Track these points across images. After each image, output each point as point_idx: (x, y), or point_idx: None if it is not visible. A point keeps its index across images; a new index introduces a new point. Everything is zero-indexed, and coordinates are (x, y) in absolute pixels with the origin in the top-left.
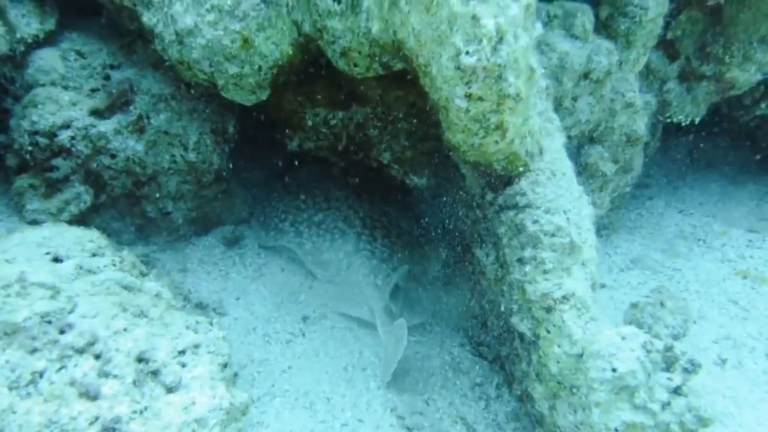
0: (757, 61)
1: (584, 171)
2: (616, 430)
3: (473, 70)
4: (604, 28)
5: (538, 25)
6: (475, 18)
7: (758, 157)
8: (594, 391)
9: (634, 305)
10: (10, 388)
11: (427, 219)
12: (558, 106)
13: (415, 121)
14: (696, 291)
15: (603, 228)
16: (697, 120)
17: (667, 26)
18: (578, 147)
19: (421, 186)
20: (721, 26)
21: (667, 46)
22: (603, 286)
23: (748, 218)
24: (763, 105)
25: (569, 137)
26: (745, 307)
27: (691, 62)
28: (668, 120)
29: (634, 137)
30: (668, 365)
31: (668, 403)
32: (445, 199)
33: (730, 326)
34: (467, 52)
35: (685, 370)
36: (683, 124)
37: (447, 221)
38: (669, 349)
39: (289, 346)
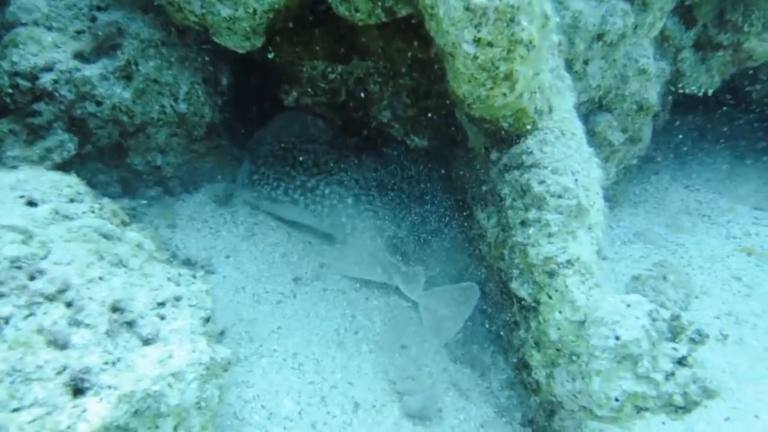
0: None
1: (591, 140)
2: (617, 399)
3: (484, 11)
4: None
5: None
6: None
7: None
8: (595, 359)
9: (636, 278)
10: None
11: (425, 181)
12: (568, 70)
13: (417, 76)
14: (699, 266)
15: (606, 200)
16: (710, 92)
17: None
18: (587, 114)
19: (422, 146)
20: None
21: (684, 12)
22: (604, 257)
23: (756, 196)
24: None
25: (577, 103)
26: (749, 284)
27: (708, 30)
28: (681, 91)
29: (645, 106)
30: (674, 335)
31: (672, 374)
32: (446, 160)
33: (733, 302)
34: None
35: (692, 341)
36: (698, 95)
37: (447, 183)
38: (676, 318)
39: (279, 306)
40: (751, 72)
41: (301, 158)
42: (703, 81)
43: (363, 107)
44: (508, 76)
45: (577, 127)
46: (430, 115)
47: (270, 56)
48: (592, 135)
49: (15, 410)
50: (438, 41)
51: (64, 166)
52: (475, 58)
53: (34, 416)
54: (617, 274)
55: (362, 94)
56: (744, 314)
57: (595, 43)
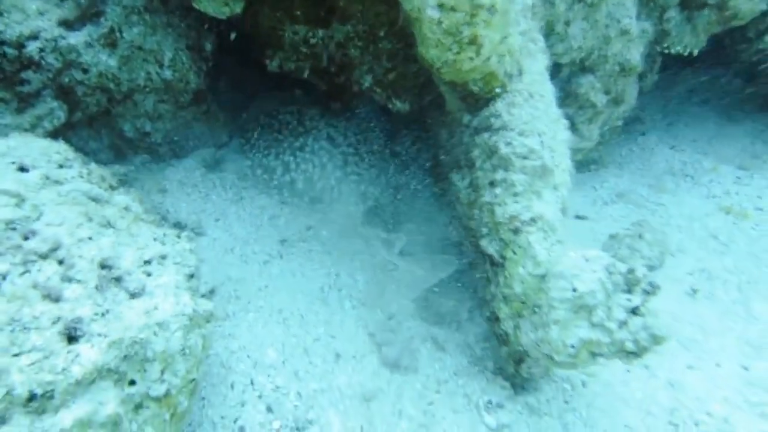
0: None
1: (574, 102)
2: (573, 346)
3: None
4: None
5: None
6: None
7: (749, 91)
8: (554, 309)
9: (613, 236)
10: None
11: (409, 144)
12: (550, 31)
13: (395, 40)
14: (678, 225)
15: (592, 162)
16: (696, 52)
17: None
18: (569, 76)
19: (404, 111)
20: None
21: None
22: (585, 218)
23: (741, 155)
24: (767, 38)
25: (560, 65)
26: (725, 242)
27: None
28: (666, 51)
29: (628, 67)
30: (629, 287)
31: (625, 322)
32: (425, 123)
33: (708, 259)
34: None
35: (645, 292)
36: (684, 54)
37: (427, 145)
38: (631, 271)
39: (266, 266)
40: (738, 32)
41: (286, 119)
42: (688, 41)
43: (345, 72)
44: (473, 41)
45: (547, 89)
46: (410, 79)
47: (232, 37)
48: (575, 97)
49: (15, 355)
50: (404, 6)
51: (55, 134)
52: (440, 22)
53: (33, 360)
54: (596, 233)
55: (343, 58)
56: (717, 270)
57: (576, 3)
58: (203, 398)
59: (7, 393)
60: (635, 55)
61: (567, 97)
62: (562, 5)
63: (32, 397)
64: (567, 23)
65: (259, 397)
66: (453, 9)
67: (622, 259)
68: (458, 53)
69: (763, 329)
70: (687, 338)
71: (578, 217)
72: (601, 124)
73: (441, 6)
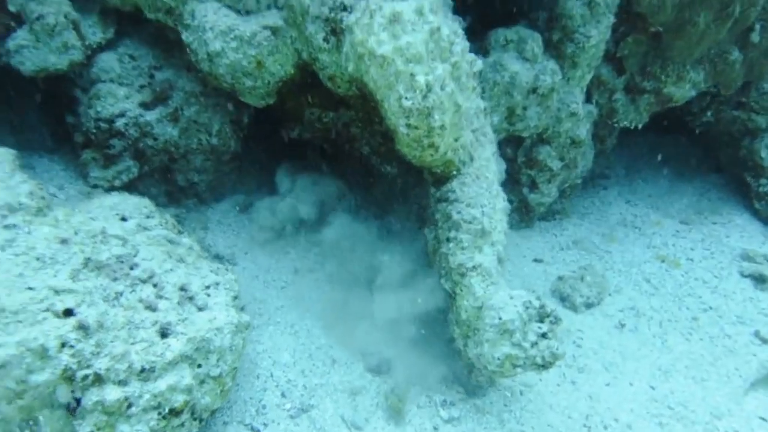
0: (690, 80)
1: (535, 165)
2: (499, 359)
3: (410, 109)
4: (555, 49)
5: (479, 61)
6: (412, 75)
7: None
8: (486, 332)
9: (560, 278)
10: (104, 300)
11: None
12: (511, 114)
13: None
14: (619, 270)
15: (557, 213)
16: (640, 126)
17: (617, 45)
18: (531, 145)
19: (393, 174)
20: (660, 50)
21: (616, 62)
22: (541, 261)
23: (686, 211)
24: (708, 113)
25: (522, 137)
26: (656, 285)
27: (634, 78)
28: (616, 125)
29: (576, 140)
30: (541, 318)
31: (536, 343)
32: (410, 186)
33: (638, 299)
34: (406, 98)
35: (551, 322)
36: (630, 128)
37: (412, 203)
38: (542, 307)
39: (282, 291)
40: (686, 105)
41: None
42: (633, 117)
43: (348, 143)
44: (431, 145)
45: (491, 171)
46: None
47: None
48: (536, 162)
49: (132, 344)
50: (386, 122)
51: (129, 183)
52: (408, 135)
53: (143, 347)
54: (548, 274)
55: (347, 134)
56: (645, 309)
57: (531, 94)
58: (238, 384)
59: (129, 366)
60: (582, 132)
61: (529, 161)
62: (518, 96)
63: (142, 370)
64: (525, 108)
65: (276, 386)
66: (416, 128)
67: (564, 297)
68: (422, 152)
69: (674, 358)
70: (609, 362)
71: (536, 260)
72: (560, 184)
73: (408, 125)
